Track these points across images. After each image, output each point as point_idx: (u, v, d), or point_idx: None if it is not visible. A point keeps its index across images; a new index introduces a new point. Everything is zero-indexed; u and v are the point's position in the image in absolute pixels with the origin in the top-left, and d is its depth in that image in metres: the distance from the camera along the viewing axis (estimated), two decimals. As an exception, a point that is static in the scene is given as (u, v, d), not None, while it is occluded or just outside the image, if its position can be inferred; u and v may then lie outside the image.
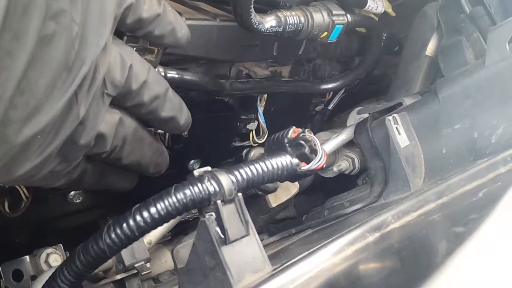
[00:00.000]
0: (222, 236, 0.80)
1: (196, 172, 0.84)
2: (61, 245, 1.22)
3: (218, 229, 0.80)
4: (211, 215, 0.81)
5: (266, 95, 1.60)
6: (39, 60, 0.76)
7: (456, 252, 0.74)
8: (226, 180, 0.82)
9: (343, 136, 1.55)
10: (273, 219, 1.89)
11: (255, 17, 1.15)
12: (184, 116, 1.11)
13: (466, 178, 1.07)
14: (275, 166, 0.94)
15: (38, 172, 0.89)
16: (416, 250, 0.88)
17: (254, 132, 1.62)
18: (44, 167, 0.89)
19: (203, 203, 0.81)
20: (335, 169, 1.68)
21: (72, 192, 1.37)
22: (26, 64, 0.74)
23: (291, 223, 1.95)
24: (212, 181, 0.81)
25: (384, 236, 0.93)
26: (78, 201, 1.38)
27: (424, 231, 0.95)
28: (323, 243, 0.88)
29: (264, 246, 1.28)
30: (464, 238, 0.79)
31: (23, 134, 0.79)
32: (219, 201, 0.80)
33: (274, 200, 1.60)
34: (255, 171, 0.90)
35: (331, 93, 1.88)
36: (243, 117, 1.59)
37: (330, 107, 1.92)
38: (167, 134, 1.38)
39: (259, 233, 1.67)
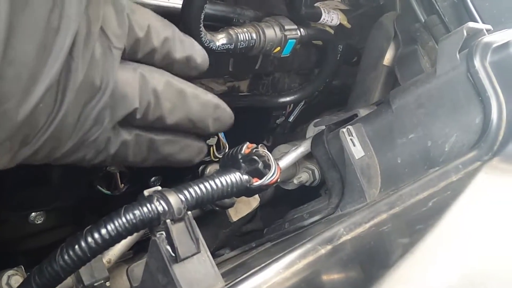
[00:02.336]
0: (173, 254, 0.81)
1: (146, 192, 0.85)
2: (22, 266, 1.22)
3: (168, 247, 0.81)
4: (162, 234, 0.82)
5: (225, 110, 1.61)
6: (20, 24, 0.72)
7: (398, 264, 0.76)
8: (175, 199, 0.83)
9: (302, 148, 1.56)
10: (240, 232, 1.90)
11: (206, 36, 1.16)
12: (199, 54, 1.07)
13: (418, 187, 1.08)
14: (224, 183, 0.95)
15: (58, 144, 0.85)
16: (366, 262, 0.89)
17: (214, 147, 1.63)
18: (62, 138, 0.85)
19: (153, 223, 0.82)
20: (295, 181, 1.69)
21: (33, 214, 1.37)
22: (5, 32, 0.70)
23: (258, 236, 1.95)
24: (161, 201, 0.82)
25: (336, 248, 0.93)
26: (39, 222, 1.38)
27: (372, 242, 0.96)
28: (275, 257, 0.89)
29: (224, 260, 1.31)
30: (407, 249, 0.80)
31: (24, 107, 0.75)
32: (168, 220, 0.81)
33: (235, 214, 1.60)
34: (204, 189, 0.91)
35: (292, 105, 1.89)
36: (203, 133, 1.60)
37: (290, 120, 1.93)
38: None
39: (220, 248, 1.69)
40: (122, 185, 1.46)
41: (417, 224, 0.91)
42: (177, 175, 1.59)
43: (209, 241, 1.63)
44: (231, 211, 1.59)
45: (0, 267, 1.21)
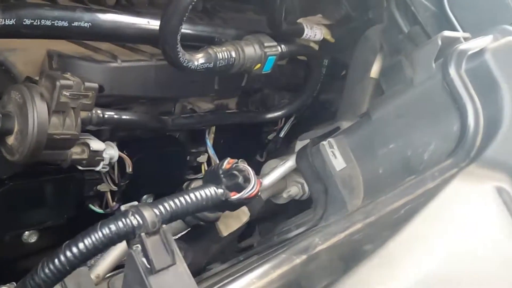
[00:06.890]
0: (148, 266, 0.83)
1: (123, 207, 0.88)
2: (14, 283, 1.24)
3: (144, 259, 0.84)
4: (137, 246, 0.85)
5: (214, 127, 1.63)
6: None
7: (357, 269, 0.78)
8: (149, 213, 0.86)
9: (290, 162, 1.58)
10: (238, 248, 1.91)
11: (184, 56, 1.18)
12: None
13: (395, 196, 1.10)
14: (198, 197, 0.97)
15: None
16: (340, 270, 0.91)
17: (205, 164, 1.66)
18: None
19: (129, 236, 0.84)
20: (285, 195, 1.71)
21: (27, 233, 1.40)
22: None
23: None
24: (136, 215, 0.85)
25: (311, 257, 0.95)
26: (33, 240, 1.41)
27: (347, 251, 0.97)
28: (249, 268, 0.91)
29: (212, 275, 1.32)
30: (368, 256, 0.82)
31: None
32: (143, 234, 0.84)
33: (225, 229, 1.62)
34: (178, 203, 0.93)
35: (283, 120, 1.92)
36: (193, 150, 1.62)
37: (281, 135, 1.95)
38: (116, 172, 1.41)
39: (211, 263, 1.70)
40: (114, 203, 1.49)
41: (383, 231, 0.93)
42: (169, 191, 1.61)
43: (200, 256, 1.64)
44: (221, 226, 1.61)
45: (-5, 284, 1.23)
